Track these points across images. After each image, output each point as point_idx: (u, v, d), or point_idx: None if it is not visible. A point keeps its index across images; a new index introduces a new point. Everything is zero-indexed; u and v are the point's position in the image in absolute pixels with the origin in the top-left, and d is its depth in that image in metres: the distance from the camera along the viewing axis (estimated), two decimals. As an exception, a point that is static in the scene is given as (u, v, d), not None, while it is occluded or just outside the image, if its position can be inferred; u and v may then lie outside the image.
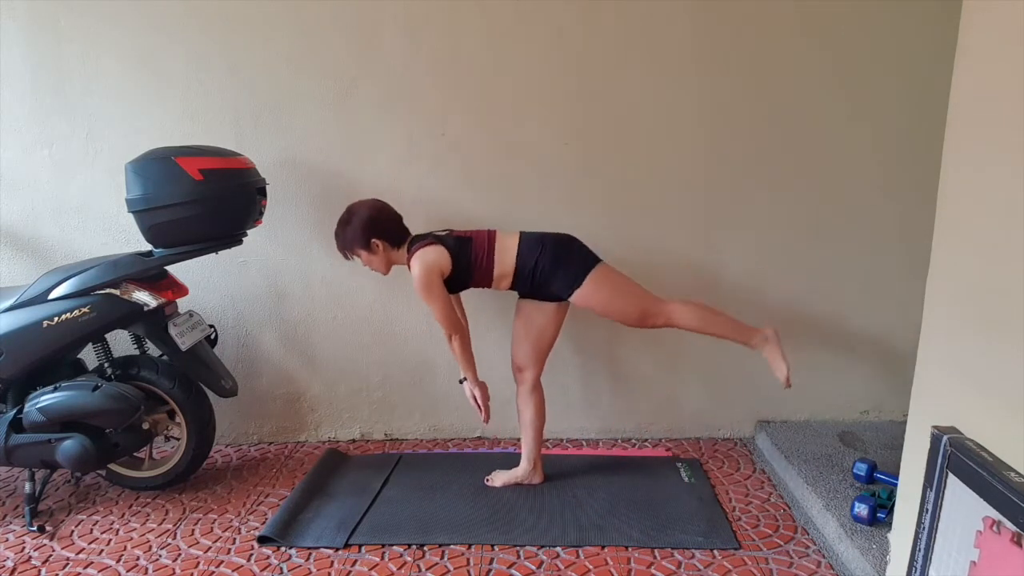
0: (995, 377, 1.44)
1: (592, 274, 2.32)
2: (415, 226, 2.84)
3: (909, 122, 2.71)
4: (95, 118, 2.78)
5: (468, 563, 2.11)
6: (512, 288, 2.39)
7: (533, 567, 2.09)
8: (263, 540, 2.24)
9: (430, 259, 2.29)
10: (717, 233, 2.85)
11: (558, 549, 2.17)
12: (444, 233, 2.40)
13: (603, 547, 2.17)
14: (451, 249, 2.32)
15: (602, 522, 2.30)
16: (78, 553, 2.22)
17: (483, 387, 2.49)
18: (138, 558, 2.19)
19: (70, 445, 2.29)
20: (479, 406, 2.49)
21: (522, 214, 2.76)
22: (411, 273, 2.32)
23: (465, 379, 2.48)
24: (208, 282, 2.91)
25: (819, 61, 2.70)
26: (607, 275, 2.35)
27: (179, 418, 2.54)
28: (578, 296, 2.32)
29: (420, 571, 2.08)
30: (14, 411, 2.34)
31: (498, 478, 2.58)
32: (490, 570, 2.08)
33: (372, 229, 2.34)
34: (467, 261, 2.32)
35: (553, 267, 2.31)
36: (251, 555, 2.18)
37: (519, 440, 2.60)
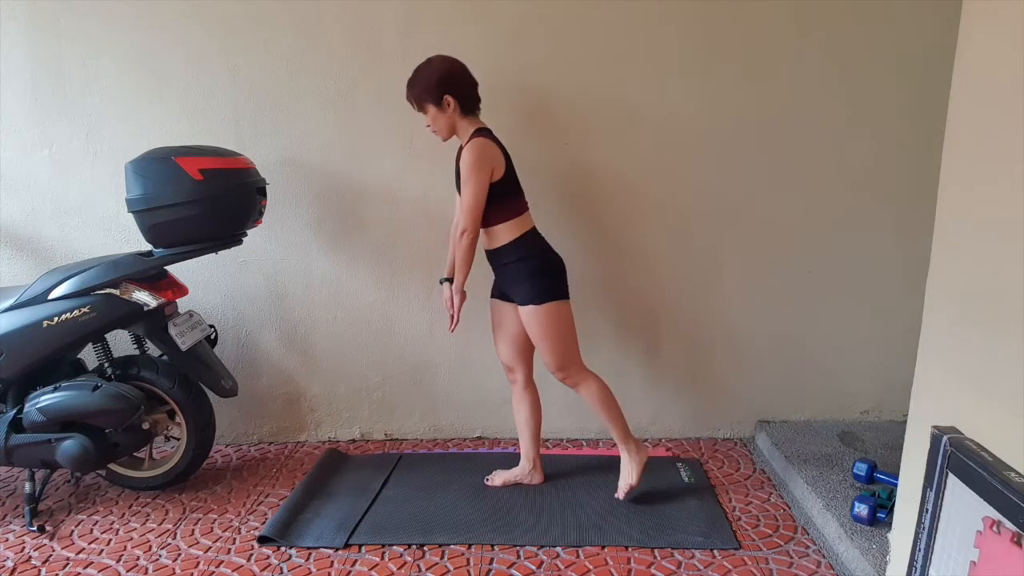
0: (995, 377, 1.44)
1: (553, 304, 2.31)
2: (416, 227, 2.86)
3: (909, 122, 2.71)
4: (95, 118, 2.78)
5: (468, 563, 2.11)
6: (487, 252, 2.37)
7: (533, 567, 2.09)
8: (263, 540, 2.24)
9: (493, 151, 2.24)
10: (717, 233, 2.85)
11: (558, 549, 2.17)
12: (511, 161, 2.34)
13: (603, 547, 2.17)
14: (508, 171, 2.28)
15: (602, 522, 2.30)
16: (78, 553, 2.22)
17: (463, 297, 2.38)
18: (138, 558, 2.19)
19: (70, 445, 2.29)
20: (452, 312, 2.39)
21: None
22: (465, 151, 2.24)
23: (449, 280, 2.40)
24: (208, 282, 2.91)
25: (819, 61, 2.70)
26: (562, 315, 2.34)
27: (179, 418, 2.54)
28: (526, 312, 2.32)
29: (420, 571, 2.08)
30: (14, 411, 2.34)
31: (498, 478, 2.58)
32: (490, 570, 2.08)
33: (447, 84, 2.24)
34: (502, 195, 2.27)
35: (525, 276, 2.31)
36: (251, 555, 2.18)
37: (519, 440, 2.60)
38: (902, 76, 2.69)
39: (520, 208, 2.34)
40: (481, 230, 2.33)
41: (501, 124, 2.74)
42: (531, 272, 2.31)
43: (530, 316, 2.32)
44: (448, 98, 2.25)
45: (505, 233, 2.31)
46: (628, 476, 2.42)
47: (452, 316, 2.40)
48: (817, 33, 2.68)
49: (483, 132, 2.29)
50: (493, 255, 2.37)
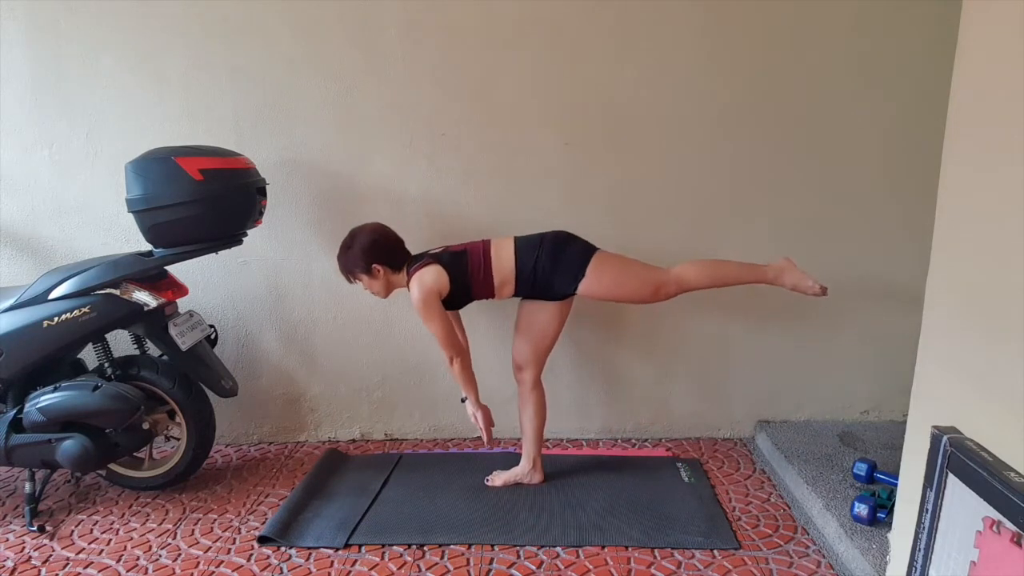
0: (995, 377, 1.44)
1: (592, 263, 2.31)
2: (416, 228, 2.86)
3: (910, 122, 2.71)
4: (95, 118, 2.78)
5: (468, 563, 2.11)
6: (515, 294, 2.39)
7: (533, 567, 2.09)
8: (263, 540, 2.24)
9: (428, 280, 2.29)
10: (718, 233, 2.85)
11: (558, 549, 2.17)
12: (439, 250, 2.40)
13: (603, 547, 2.17)
14: (447, 266, 2.32)
15: (602, 522, 2.30)
16: (78, 553, 2.22)
17: (485, 411, 2.47)
18: (138, 558, 2.19)
19: (70, 445, 2.29)
20: (481, 428, 2.48)
21: (522, 214, 2.76)
22: (412, 296, 2.32)
23: (466, 399, 2.47)
24: (208, 282, 2.91)
25: (819, 61, 2.70)
26: (607, 260, 2.34)
27: (179, 418, 2.54)
28: (584, 287, 2.31)
29: (420, 571, 2.08)
30: (14, 411, 2.34)
31: (498, 478, 2.58)
32: (490, 570, 2.08)
33: (373, 254, 2.34)
34: (464, 275, 2.32)
35: (553, 264, 2.31)
36: (251, 555, 2.18)
37: (519, 440, 2.60)
38: (903, 75, 2.69)
39: (484, 255, 2.34)
40: (496, 299, 2.38)
41: (500, 125, 2.76)
42: (554, 257, 2.31)
43: (590, 286, 2.31)
44: (376, 267, 2.34)
45: (504, 272, 2.33)
46: (807, 287, 2.29)
47: (483, 430, 2.47)
48: (817, 33, 2.68)
49: (414, 267, 2.34)
50: (521, 285, 2.36)
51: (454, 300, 2.37)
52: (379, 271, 2.35)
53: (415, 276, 2.32)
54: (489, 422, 2.49)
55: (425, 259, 2.35)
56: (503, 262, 2.33)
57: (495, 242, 2.38)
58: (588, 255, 2.33)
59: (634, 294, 2.36)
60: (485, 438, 2.49)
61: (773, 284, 2.34)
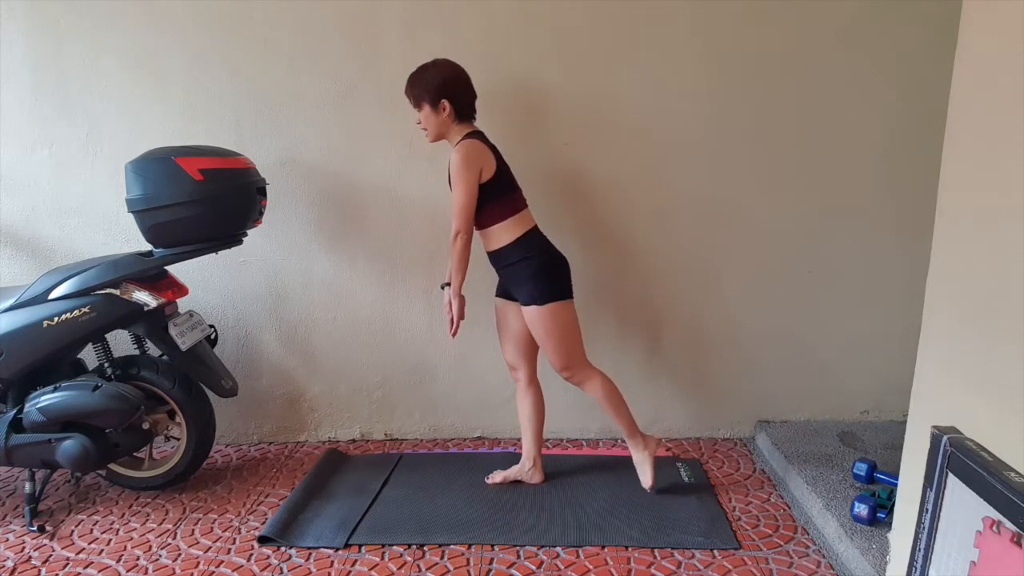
0: (995, 377, 1.44)
1: (556, 304, 2.32)
2: (416, 228, 2.86)
3: (910, 121, 2.71)
4: (95, 118, 2.78)
5: (468, 563, 2.11)
6: (488, 254, 2.38)
7: (533, 567, 2.09)
8: (263, 540, 2.24)
9: (480, 151, 2.25)
10: (718, 231, 2.85)
11: (558, 549, 2.17)
12: (503, 160, 2.35)
13: (603, 547, 2.17)
14: (500, 170, 2.30)
15: (602, 522, 2.30)
16: (78, 553, 2.22)
17: (462, 300, 2.40)
18: (138, 558, 2.19)
19: (70, 445, 2.29)
20: (452, 317, 2.40)
21: (522, 214, 2.76)
22: (453, 154, 2.26)
23: (448, 285, 2.40)
24: (208, 282, 2.91)
25: (819, 60, 2.70)
26: (566, 314, 2.35)
27: (179, 418, 2.54)
28: (529, 313, 2.33)
29: (420, 571, 2.08)
30: (14, 411, 2.34)
31: (498, 475, 2.58)
32: (490, 570, 2.08)
33: (449, 89, 2.27)
34: (495, 195, 2.29)
35: (528, 276, 2.31)
36: (251, 555, 2.18)
37: (519, 440, 2.60)
38: (903, 74, 2.69)
39: (517, 206, 2.34)
40: (480, 232, 2.34)
41: (501, 124, 2.75)
42: (534, 272, 2.31)
43: (534, 316, 2.33)
44: (445, 102, 2.27)
45: (504, 234, 2.32)
46: (644, 476, 2.46)
47: (451, 320, 2.40)
48: (817, 32, 2.68)
49: (473, 135, 2.31)
50: (495, 257, 2.37)
51: (493, 188, 2.29)
52: (445, 107, 2.28)
53: (473, 141, 2.27)
54: (462, 314, 2.40)
55: (491, 144, 2.32)
56: (508, 231, 2.31)
57: (524, 212, 2.35)
58: (560, 295, 2.33)
59: (553, 354, 2.38)
60: (453, 328, 2.40)
61: (631, 447, 2.49)
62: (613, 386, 2.43)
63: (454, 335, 2.42)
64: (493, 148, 2.32)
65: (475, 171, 2.24)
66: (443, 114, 2.29)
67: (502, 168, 2.32)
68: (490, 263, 2.42)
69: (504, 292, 2.46)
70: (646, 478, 2.45)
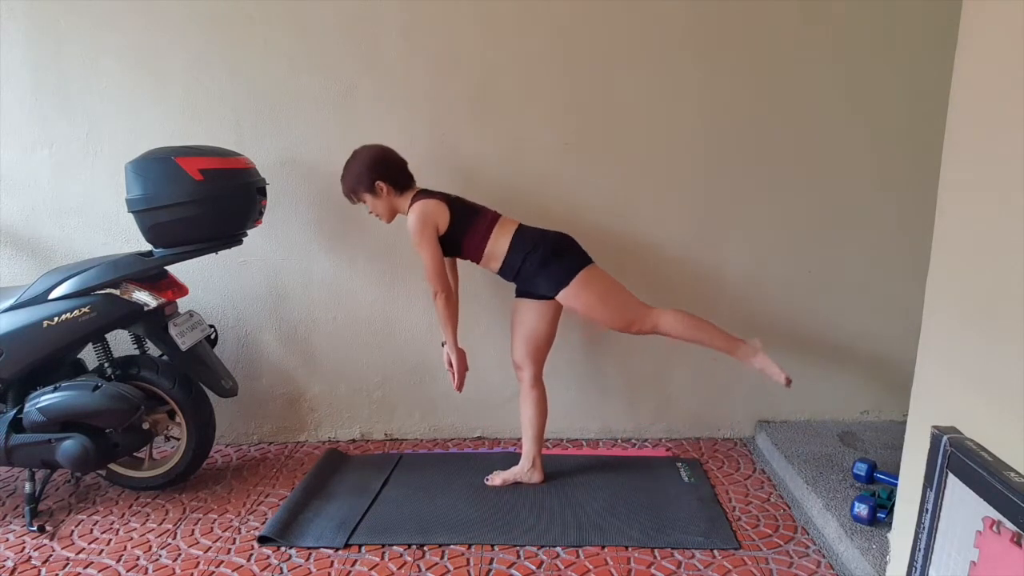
0: (995, 377, 1.44)
1: (579, 276, 2.31)
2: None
3: (910, 120, 2.71)
4: (95, 118, 2.78)
5: (468, 563, 2.11)
6: (499, 273, 2.40)
7: (533, 567, 2.09)
8: (263, 540, 2.24)
9: (428, 210, 2.31)
10: (718, 231, 2.85)
11: (558, 549, 2.17)
12: (453, 196, 2.40)
13: (603, 547, 2.17)
14: (454, 211, 2.33)
15: (602, 522, 2.30)
16: (78, 553, 2.22)
17: (461, 353, 2.47)
18: (138, 558, 2.19)
19: (70, 445, 2.29)
20: (454, 372, 2.46)
21: (521, 213, 2.74)
22: (408, 224, 2.32)
23: (444, 343, 2.45)
24: (208, 282, 2.91)
25: (819, 59, 2.70)
26: (595, 278, 2.35)
27: (179, 418, 2.54)
28: (564, 296, 2.33)
29: (420, 571, 2.08)
30: (14, 411, 2.34)
31: (497, 477, 2.58)
32: (490, 570, 2.08)
33: (377, 170, 2.33)
34: (464, 228, 2.33)
35: (540, 267, 2.32)
36: (251, 555, 2.18)
37: (519, 440, 2.60)
38: (904, 73, 2.69)
39: (489, 223, 2.36)
40: (480, 265, 2.40)
41: (499, 125, 2.76)
42: (543, 262, 2.32)
43: (568, 299, 2.32)
44: (380, 184, 2.33)
45: (497, 249, 2.34)
46: (774, 374, 2.27)
47: (453, 375, 2.46)
48: (818, 31, 2.68)
49: (418, 196, 2.36)
50: (505, 271, 2.38)
51: (445, 245, 2.36)
52: (383, 189, 2.34)
53: (419, 203, 2.32)
54: (463, 366, 2.46)
55: (436, 195, 2.36)
56: (498, 243, 2.34)
57: (502, 221, 2.39)
58: (579, 266, 2.33)
59: (608, 320, 2.36)
60: (456, 382, 2.47)
61: (741, 360, 2.35)
62: (686, 315, 2.36)
63: (460, 389, 2.48)
64: (440, 195, 2.36)
65: (431, 231, 2.30)
66: (383, 194, 2.36)
67: (455, 208, 2.34)
68: (506, 281, 2.42)
69: (524, 292, 2.45)
70: (776, 374, 2.26)
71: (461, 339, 2.49)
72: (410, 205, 2.35)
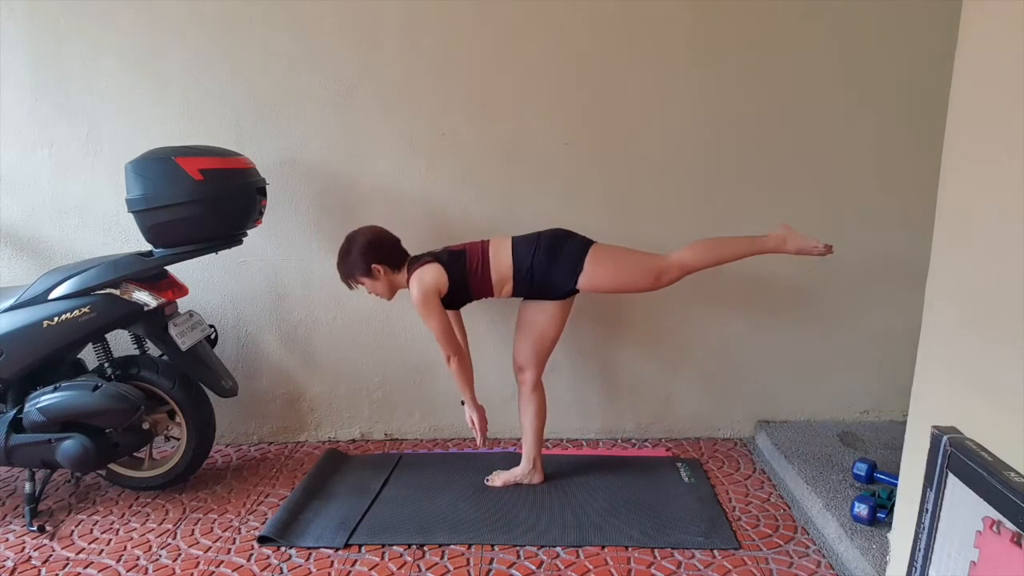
0: (995, 377, 1.44)
1: (589, 256, 2.31)
2: (416, 228, 2.85)
3: (911, 119, 2.71)
4: (95, 118, 2.78)
5: (468, 563, 2.11)
6: (515, 293, 2.39)
7: (533, 567, 2.09)
8: (263, 540, 2.24)
9: (428, 278, 2.30)
10: (718, 231, 2.84)
11: (558, 549, 2.17)
12: (439, 251, 2.41)
13: (603, 547, 2.17)
14: (446, 265, 2.33)
15: (602, 522, 2.30)
16: (78, 553, 2.22)
17: (481, 411, 2.51)
18: (138, 558, 2.19)
19: (70, 445, 2.29)
20: (476, 429, 2.51)
21: (522, 214, 2.76)
22: (411, 295, 2.33)
23: (464, 401, 2.49)
24: (208, 282, 2.91)
25: (820, 59, 2.70)
26: (605, 251, 2.35)
27: (179, 418, 2.54)
28: (583, 281, 2.31)
29: (420, 571, 2.08)
30: (14, 411, 2.34)
31: (498, 478, 2.58)
32: (490, 570, 2.08)
33: (372, 255, 2.34)
34: (463, 274, 2.34)
35: (550, 261, 2.31)
36: (251, 555, 2.18)
37: (519, 440, 2.60)
38: (904, 73, 2.69)
39: (482, 254, 2.35)
40: (495, 297, 2.40)
41: (500, 125, 2.76)
42: (550, 255, 2.31)
43: (589, 278, 2.31)
44: (376, 267, 2.34)
45: (502, 269, 2.34)
46: (810, 248, 2.23)
47: (477, 433, 2.51)
48: (819, 31, 2.68)
49: (412, 266, 2.36)
50: (519, 283, 2.37)
51: (454, 299, 2.38)
52: (379, 271, 2.35)
53: (415, 274, 2.33)
54: (484, 424, 2.51)
55: (425, 258, 2.36)
56: (501, 261, 2.34)
57: (493, 242, 2.39)
58: (585, 248, 2.33)
59: (636, 283, 2.35)
60: (479, 440, 2.52)
61: (776, 252, 2.29)
62: (703, 241, 2.34)
63: (483, 445, 2.54)
64: (429, 257, 2.36)
65: (434, 298, 2.31)
66: (382, 276, 2.36)
67: (447, 262, 2.34)
68: (524, 296, 2.42)
69: (534, 294, 2.43)
70: (813, 245, 2.21)
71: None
72: (408, 276, 2.35)
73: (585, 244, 2.35)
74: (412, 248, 2.87)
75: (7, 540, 2.31)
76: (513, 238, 2.39)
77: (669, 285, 2.34)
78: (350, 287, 2.44)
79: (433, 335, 2.36)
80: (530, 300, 2.45)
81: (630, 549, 2.16)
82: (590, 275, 2.30)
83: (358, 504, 2.45)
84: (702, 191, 2.82)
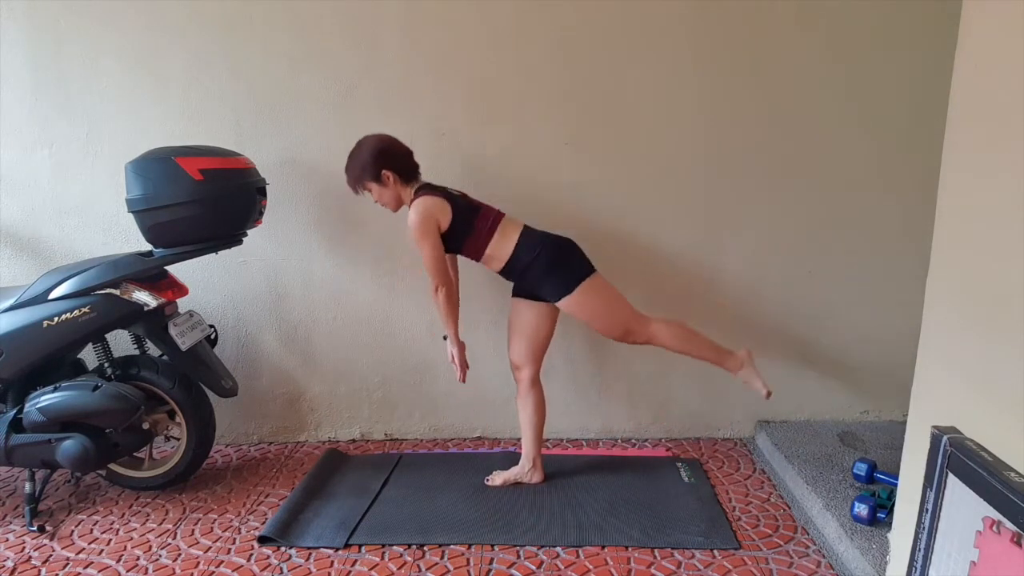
0: (995, 377, 1.44)
1: (583, 284, 2.32)
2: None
3: (910, 120, 2.71)
4: (95, 118, 2.78)
5: (468, 563, 2.11)
6: (500, 274, 2.40)
7: (533, 567, 2.09)
8: (263, 540, 2.24)
9: (432, 207, 2.29)
10: (717, 232, 2.85)
11: (558, 549, 2.17)
12: (457, 193, 2.40)
13: (603, 547, 2.17)
14: (457, 208, 2.32)
15: (602, 522, 2.30)
16: (78, 553, 2.22)
17: (462, 347, 2.48)
18: (138, 558, 2.19)
19: (70, 445, 2.29)
20: (456, 365, 2.47)
21: (522, 214, 2.75)
22: (408, 218, 2.30)
23: (446, 336, 2.46)
24: (208, 282, 2.91)
25: (819, 60, 2.70)
26: (598, 288, 2.36)
27: (179, 418, 2.54)
28: (565, 304, 2.34)
29: (420, 571, 2.08)
30: (14, 411, 2.34)
31: (498, 477, 2.58)
32: (490, 570, 2.08)
33: (382, 159, 2.32)
34: (466, 227, 2.32)
35: (546, 272, 2.32)
36: (251, 555, 2.18)
37: (519, 440, 2.60)
38: (904, 74, 2.69)
39: (493, 221, 2.36)
40: (481, 262, 2.39)
41: (500, 125, 2.76)
42: (548, 267, 2.32)
43: (571, 306, 2.34)
44: (386, 173, 2.32)
45: (502, 248, 2.34)
46: (756, 386, 2.41)
47: (458, 368, 2.47)
48: (818, 31, 2.68)
49: (422, 191, 2.34)
50: (508, 271, 2.38)
51: (445, 243, 2.35)
52: (389, 178, 2.32)
53: (420, 199, 2.30)
54: (464, 361, 2.48)
55: (438, 192, 2.34)
56: (503, 244, 2.34)
57: (505, 220, 2.39)
58: (584, 275, 2.34)
59: (607, 328, 2.39)
60: (459, 375, 2.48)
61: (729, 372, 2.44)
62: (679, 326, 2.41)
63: (463, 380, 2.49)
64: (443, 192, 2.35)
65: (432, 227, 2.29)
66: (391, 184, 2.34)
67: (458, 206, 2.33)
68: (506, 279, 2.43)
69: (522, 292, 2.45)
70: (759, 388, 2.39)
71: (461, 339, 2.49)
72: (412, 200, 2.34)
73: (586, 270, 2.36)
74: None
75: (7, 540, 2.31)
76: (523, 229, 2.38)
77: (630, 344, 2.42)
78: (356, 192, 2.41)
79: (425, 266, 2.32)
80: (518, 297, 2.46)
81: (630, 549, 2.16)
82: (576, 301, 2.33)
83: (358, 504, 2.45)
84: (702, 191, 2.82)
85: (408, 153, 2.40)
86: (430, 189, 2.36)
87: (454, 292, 2.43)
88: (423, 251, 2.31)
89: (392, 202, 2.40)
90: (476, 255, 2.38)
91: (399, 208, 2.44)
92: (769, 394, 2.39)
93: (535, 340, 2.45)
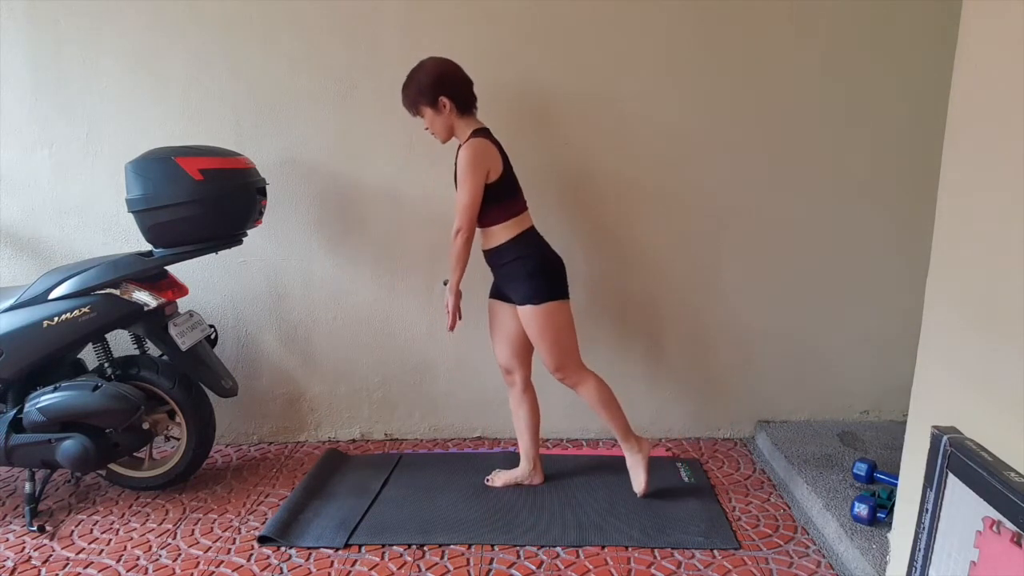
0: (995, 377, 1.44)
1: (552, 304, 2.30)
2: (416, 227, 2.86)
3: (910, 121, 2.71)
4: (95, 118, 2.78)
5: (468, 563, 2.11)
6: (486, 254, 2.37)
7: (533, 567, 2.09)
8: (263, 540, 2.24)
9: (490, 151, 2.23)
10: (716, 232, 2.85)
11: (558, 549, 2.17)
12: (509, 162, 2.33)
13: (603, 547, 2.17)
14: (507, 171, 2.28)
15: (602, 522, 2.30)
16: (78, 553, 2.22)
17: (458, 297, 2.38)
18: (138, 558, 2.19)
19: (70, 445, 2.29)
20: (449, 313, 2.38)
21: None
22: (461, 151, 2.23)
23: (446, 282, 2.38)
24: (208, 282, 2.91)
25: (819, 61, 2.70)
26: (561, 313, 2.33)
27: (179, 418, 2.54)
28: (526, 311, 2.32)
29: (420, 571, 2.08)
30: (14, 411, 2.34)
31: (498, 478, 2.58)
32: (490, 570, 2.08)
33: (441, 84, 2.24)
34: (503, 194, 2.27)
35: (527, 274, 2.30)
36: (251, 555, 2.18)
37: (518, 441, 2.60)
38: (902, 75, 2.69)
39: (518, 208, 2.33)
40: (479, 230, 2.34)
41: (501, 124, 2.74)
42: (529, 272, 2.31)
43: (529, 316, 2.32)
44: (443, 99, 2.25)
45: (502, 233, 2.31)
46: (637, 480, 2.44)
47: (449, 315, 2.39)
48: (817, 32, 2.68)
49: (481, 132, 2.29)
50: (491, 255, 2.37)
51: (497, 189, 2.27)
52: (445, 105, 2.25)
53: (483, 139, 2.25)
54: (458, 308, 2.38)
55: (499, 145, 2.29)
56: (510, 230, 2.30)
57: (524, 215, 2.34)
58: (557, 295, 2.32)
59: (546, 354, 2.35)
60: (449, 323, 2.39)
61: (625, 453, 2.46)
62: (607, 389, 2.41)
63: (452, 329, 2.41)
64: (500, 148, 2.30)
65: (482, 172, 2.22)
66: (445, 111, 2.27)
67: (508, 170, 2.30)
68: (485, 262, 2.42)
69: (498, 293, 2.45)
70: (639, 482, 2.43)
71: (461, 338, 2.49)
72: (469, 136, 2.26)
73: (561, 292, 2.34)
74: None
75: (7, 540, 2.31)
76: (529, 229, 2.34)
77: (557, 380, 2.41)
78: (412, 114, 2.34)
79: (457, 206, 2.23)
80: (495, 299, 2.46)
81: (630, 549, 2.16)
82: (536, 314, 2.30)
83: (358, 504, 2.45)
84: (702, 191, 2.81)
85: (469, 82, 2.31)
86: (490, 135, 2.30)
87: (470, 241, 2.30)
88: (464, 188, 2.21)
89: (443, 131, 2.31)
90: (484, 223, 2.31)
91: (448, 139, 2.35)
92: (645, 491, 2.41)
93: (517, 341, 2.44)
